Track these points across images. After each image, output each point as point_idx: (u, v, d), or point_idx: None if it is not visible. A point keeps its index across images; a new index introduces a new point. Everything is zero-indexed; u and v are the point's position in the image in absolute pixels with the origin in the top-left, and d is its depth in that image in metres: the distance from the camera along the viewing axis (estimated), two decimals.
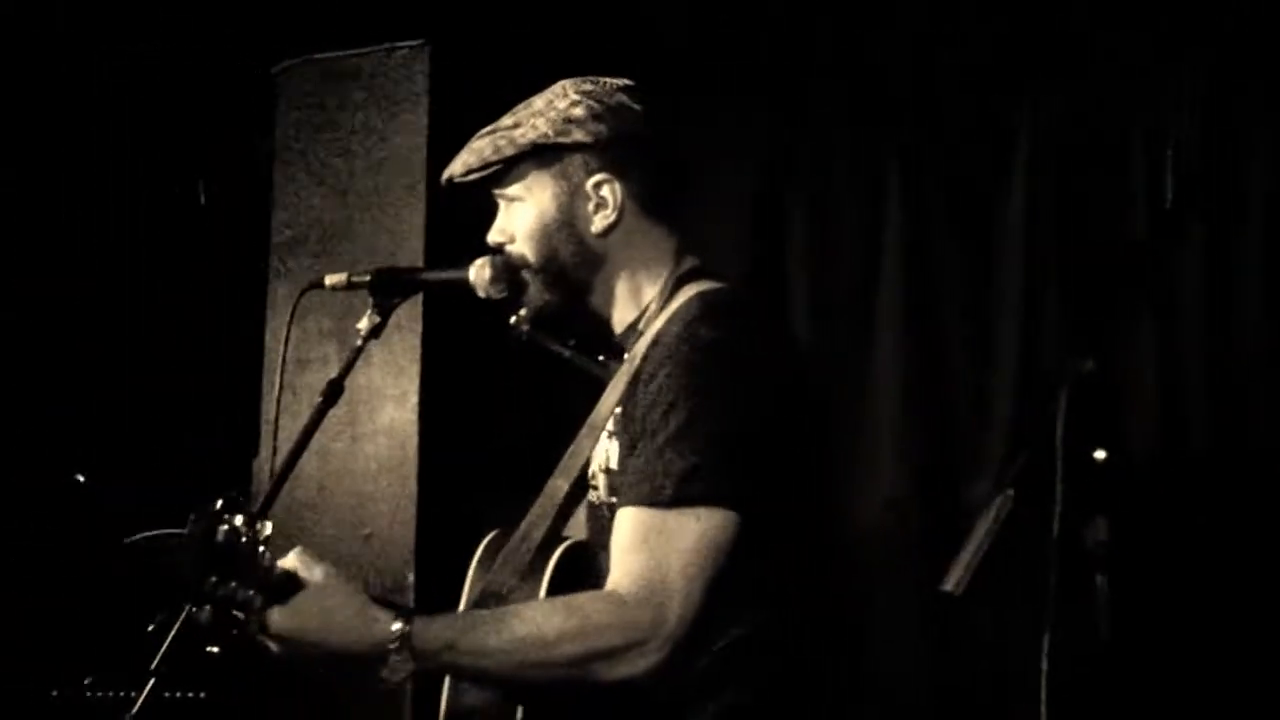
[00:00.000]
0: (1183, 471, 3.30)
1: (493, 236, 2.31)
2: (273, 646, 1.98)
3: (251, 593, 1.91)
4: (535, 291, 2.27)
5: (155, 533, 3.14)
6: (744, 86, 3.82)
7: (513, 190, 2.27)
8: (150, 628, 1.91)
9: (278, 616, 1.95)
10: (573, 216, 2.24)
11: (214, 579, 1.89)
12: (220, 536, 1.89)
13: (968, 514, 2.20)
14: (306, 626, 1.96)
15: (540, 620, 2.00)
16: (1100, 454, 1.47)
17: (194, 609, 1.90)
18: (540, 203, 2.24)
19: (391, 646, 1.95)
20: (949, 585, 1.48)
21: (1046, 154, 3.51)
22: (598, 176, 2.22)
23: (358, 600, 1.98)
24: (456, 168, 2.29)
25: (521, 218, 2.26)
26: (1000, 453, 3.41)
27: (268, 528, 1.94)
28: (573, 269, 2.25)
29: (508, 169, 2.25)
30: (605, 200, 2.22)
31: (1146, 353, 3.33)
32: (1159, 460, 3.30)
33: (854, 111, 3.74)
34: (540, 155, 2.23)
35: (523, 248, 2.26)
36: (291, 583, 1.97)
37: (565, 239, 2.24)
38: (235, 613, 1.91)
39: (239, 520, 1.90)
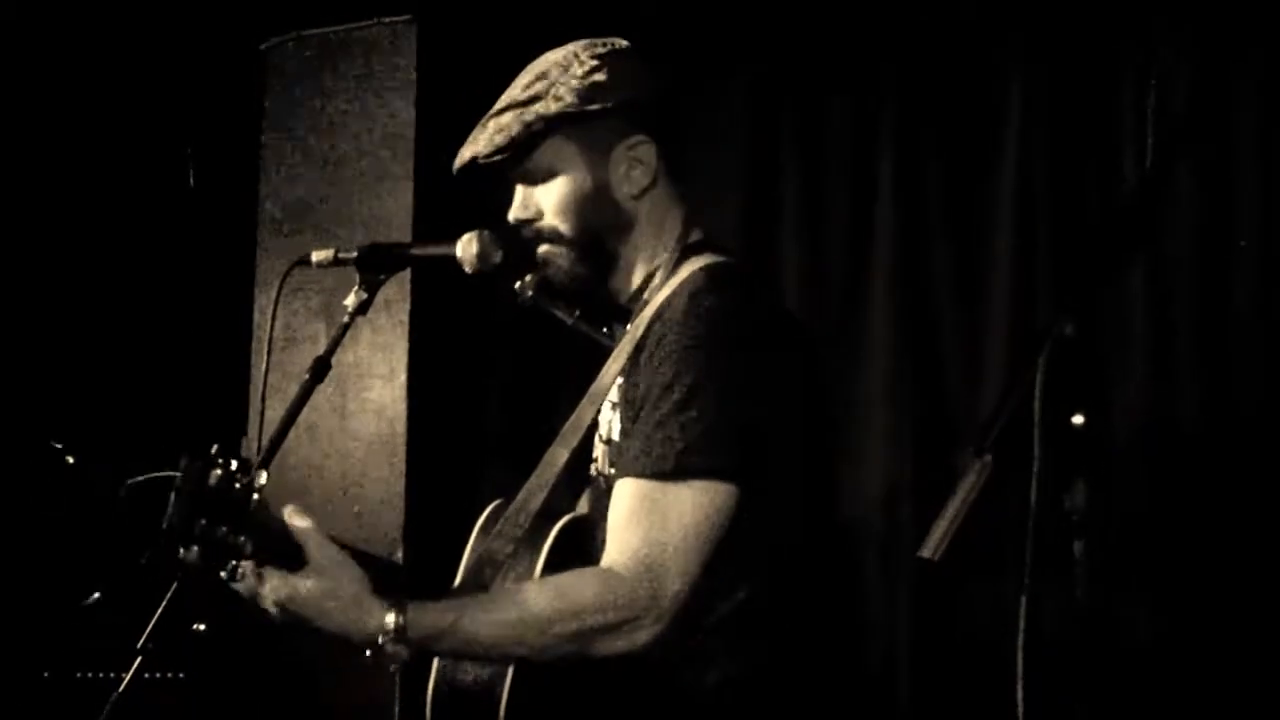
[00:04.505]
0: (1172, 437, 3.30)
1: (516, 214, 2.26)
2: (263, 604, 1.98)
3: (242, 539, 1.90)
4: (568, 264, 2.23)
5: (155, 475, 3.13)
6: (734, 56, 3.80)
7: (542, 165, 2.22)
8: (142, 561, 1.90)
9: (274, 584, 1.95)
10: (607, 183, 2.21)
11: (204, 521, 1.87)
12: (213, 480, 1.88)
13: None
14: (302, 605, 1.96)
15: (534, 604, 1.99)
16: (1079, 419, 1.46)
17: (182, 550, 1.88)
18: (574, 172, 2.21)
19: (386, 638, 1.94)
20: (926, 551, 1.48)
21: (1038, 118, 3.49)
22: (631, 139, 2.20)
23: (355, 587, 1.96)
24: (481, 149, 2.23)
25: (553, 191, 2.22)
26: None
27: (263, 476, 1.93)
28: (605, 237, 2.22)
29: (533, 144, 2.21)
30: (638, 162, 2.20)
31: (1136, 316, 3.33)
32: (1148, 425, 3.30)
33: (844, 78, 3.72)
34: (569, 126, 2.19)
35: (555, 221, 2.22)
36: (286, 539, 1.96)
37: (600, 207, 2.21)
38: (224, 558, 1.90)
39: (233, 465, 1.89)
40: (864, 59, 3.70)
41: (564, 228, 2.22)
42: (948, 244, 3.59)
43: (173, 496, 1.87)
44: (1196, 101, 3.21)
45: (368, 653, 1.96)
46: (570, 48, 2.24)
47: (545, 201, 2.23)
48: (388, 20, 3.89)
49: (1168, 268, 3.33)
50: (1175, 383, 3.31)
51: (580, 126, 2.19)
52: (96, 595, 3.19)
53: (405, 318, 3.78)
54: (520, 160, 2.23)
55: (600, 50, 2.22)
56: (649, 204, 2.23)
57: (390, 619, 1.94)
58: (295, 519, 1.98)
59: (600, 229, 2.22)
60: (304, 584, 1.95)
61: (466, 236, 2.27)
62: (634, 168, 2.21)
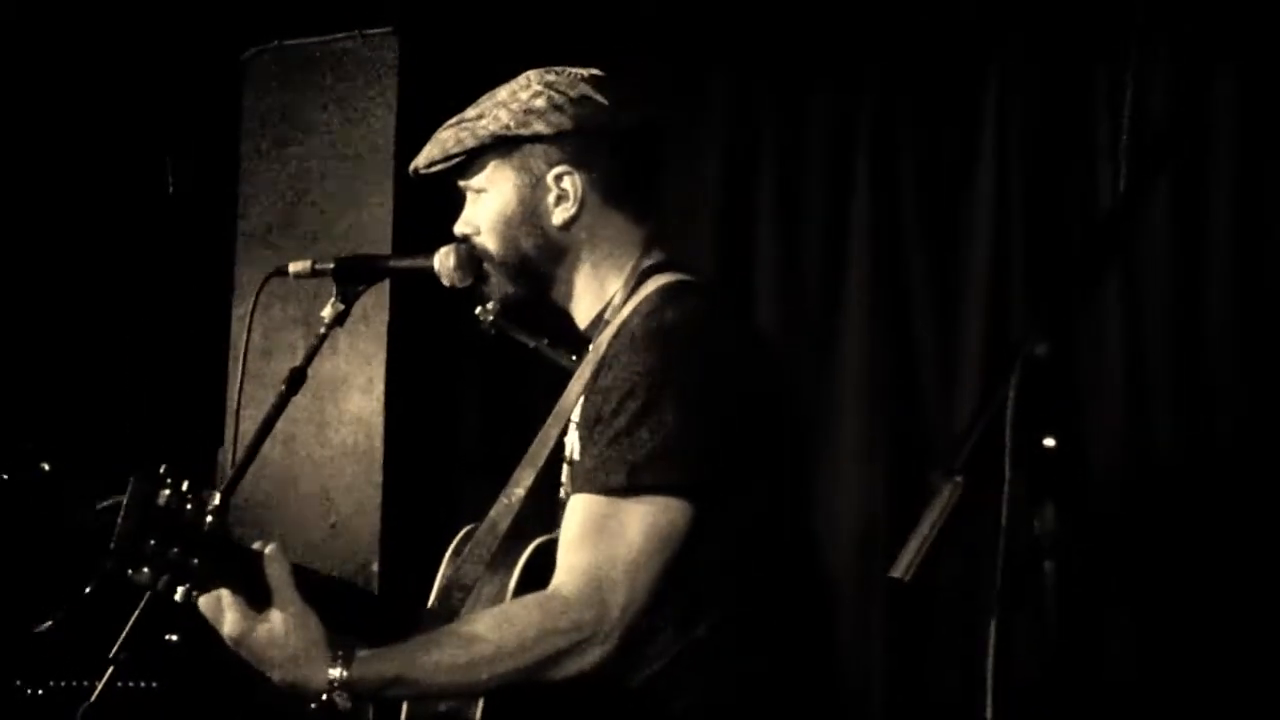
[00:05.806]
0: (1147, 456, 3.30)
1: (459, 227, 2.29)
2: (221, 632, 1.98)
3: (195, 561, 1.90)
4: (498, 283, 2.26)
5: (119, 499, 3.12)
6: (713, 54, 3.81)
7: (476, 182, 2.26)
8: (87, 589, 1.90)
9: (232, 619, 1.95)
10: (534, 208, 2.22)
11: (153, 542, 1.87)
12: (161, 500, 1.88)
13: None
14: (250, 651, 1.97)
15: (481, 642, 1.98)
16: (1050, 441, 1.47)
17: (131, 571, 1.88)
18: (502, 194, 2.23)
19: (330, 692, 1.95)
20: (897, 572, 1.48)
21: (1014, 120, 3.50)
22: (558, 169, 2.20)
23: (305, 642, 1.96)
24: (421, 159, 2.28)
25: (485, 209, 2.25)
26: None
27: (215, 497, 1.93)
28: (534, 261, 2.24)
29: (471, 160, 2.24)
30: (566, 192, 2.21)
31: (1110, 333, 3.34)
32: (1123, 444, 3.31)
33: (823, 78, 3.73)
34: (502, 147, 2.21)
35: (486, 239, 2.25)
36: (249, 566, 1.96)
37: (527, 231, 2.23)
38: (177, 580, 1.90)
39: (183, 486, 1.89)
40: (843, 59, 3.71)
41: (492, 246, 2.25)
42: (925, 244, 3.60)
43: (120, 517, 1.86)
44: (1173, 108, 3.22)
45: (313, 705, 1.96)
46: (529, 72, 2.27)
47: (479, 219, 2.27)
48: (369, 32, 3.90)
49: (1141, 285, 3.34)
50: (1150, 402, 3.32)
51: (513, 149, 2.21)
52: (49, 623, 3.18)
53: (384, 329, 3.78)
54: (459, 175, 2.27)
55: (550, 78, 2.24)
56: (583, 233, 2.23)
57: (335, 673, 1.94)
58: (272, 564, 1.98)
59: (529, 253, 2.23)
60: (259, 628, 1.96)
61: (444, 249, 2.28)
62: (561, 198, 2.22)
